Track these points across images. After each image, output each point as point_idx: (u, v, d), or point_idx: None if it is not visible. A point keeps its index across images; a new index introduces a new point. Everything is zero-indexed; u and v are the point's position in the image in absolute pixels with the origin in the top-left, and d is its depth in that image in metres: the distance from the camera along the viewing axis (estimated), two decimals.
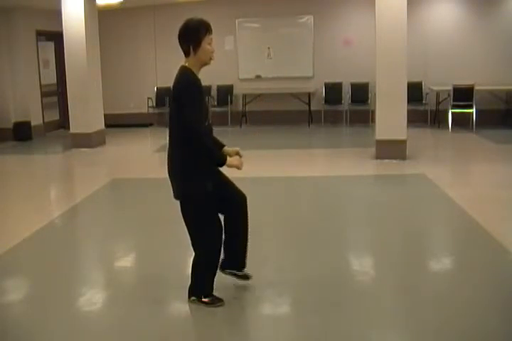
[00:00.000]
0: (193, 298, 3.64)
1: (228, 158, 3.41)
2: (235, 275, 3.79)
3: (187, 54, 3.36)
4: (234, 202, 3.63)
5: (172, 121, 3.41)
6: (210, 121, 3.51)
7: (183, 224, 3.56)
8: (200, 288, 3.62)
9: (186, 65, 3.37)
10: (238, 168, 3.44)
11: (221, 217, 3.62)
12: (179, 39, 3.35)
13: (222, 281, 3.71)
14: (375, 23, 8.00)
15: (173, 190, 3.50)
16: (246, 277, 3.81)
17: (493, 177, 7.14)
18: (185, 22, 3.36)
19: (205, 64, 3.40)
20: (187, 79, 3.33)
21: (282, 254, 3.91)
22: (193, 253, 3.56)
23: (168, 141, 3.48)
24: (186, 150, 3.36)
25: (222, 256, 3.68)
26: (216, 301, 3.61)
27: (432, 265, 4.48)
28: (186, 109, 3.26)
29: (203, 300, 3.60)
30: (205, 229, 3.52)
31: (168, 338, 3.33)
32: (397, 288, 3.97)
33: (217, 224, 3.54)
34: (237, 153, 3.58)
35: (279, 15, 12.17)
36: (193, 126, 3.28)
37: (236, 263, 3.76)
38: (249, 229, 3.70)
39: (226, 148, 3.57)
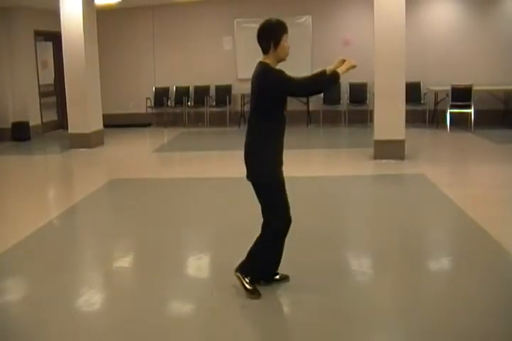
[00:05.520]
0: (238, 273, 3.69)
1: (338, 70, 3.58)
2: (275, 280, 3.89)
3: (266, 51, 3.65)
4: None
5: (253, 113, 3.66)
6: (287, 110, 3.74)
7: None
8: (250, 268, 3.69)
9: (266, 61, 3.65)
10: (353, 65, 3.60)
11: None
12: (260, 38, 3.65)
13: (222, 281, 3.70)
14: (374, 23, 8.01)
15: (247, 172, 3.70)
16: (285, 277, 3.92)
17: (491, 177, 7.15)
18: (265, 22, 3.67)
19: (282, 60, 3.68)
20: (272, 69, 3.62)
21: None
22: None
23: (246, 132, 3.72)
24: (263, 140, 3.69)
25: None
26: (255, 293, 3.66)
27: (431, 265, 4.48)
28: (288, 85, 3.58)
29: (247, 285, 3.66)
30: (276, 208, 3.64)
31: (168, 338, 3.33)
32: (397, 287, 3.97)
33: (286, 205, 3.67)
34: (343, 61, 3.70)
35: (278, 16, 11.92)
36: (305, 89, 3.69)
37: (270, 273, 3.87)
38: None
39: (329, 67, 3.73)
